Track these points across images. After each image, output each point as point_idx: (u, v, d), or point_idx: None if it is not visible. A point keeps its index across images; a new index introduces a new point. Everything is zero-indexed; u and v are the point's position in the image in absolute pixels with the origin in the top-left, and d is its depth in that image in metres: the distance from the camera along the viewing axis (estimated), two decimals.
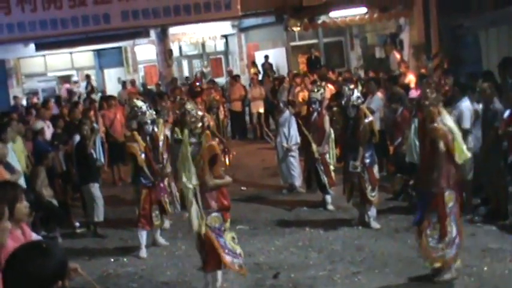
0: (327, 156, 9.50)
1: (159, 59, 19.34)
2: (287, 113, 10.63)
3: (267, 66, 20.23)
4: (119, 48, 22.42)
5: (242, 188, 10.97)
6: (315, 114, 9.57)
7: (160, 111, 9.93)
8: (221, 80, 21.34)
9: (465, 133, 7.89)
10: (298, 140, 10.30)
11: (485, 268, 6.50)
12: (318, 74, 15.53)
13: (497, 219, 7.94)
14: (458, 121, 7.90)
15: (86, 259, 7.92)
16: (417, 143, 7.57)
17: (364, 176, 8.19)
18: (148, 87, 20.79)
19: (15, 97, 18.28)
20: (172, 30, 19.08)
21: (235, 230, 6.65)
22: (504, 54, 11.75)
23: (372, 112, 9.28)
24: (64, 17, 16.79)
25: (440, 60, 14.69)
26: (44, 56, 21.47)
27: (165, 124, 9.25)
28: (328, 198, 9.40)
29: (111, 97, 14.25)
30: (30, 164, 9.53)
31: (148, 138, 8.05)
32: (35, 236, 4.10)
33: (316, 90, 9.63)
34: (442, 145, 5.99)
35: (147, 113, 8.04)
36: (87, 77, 21.36)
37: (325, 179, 9.37)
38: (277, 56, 20.99)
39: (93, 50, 22.29)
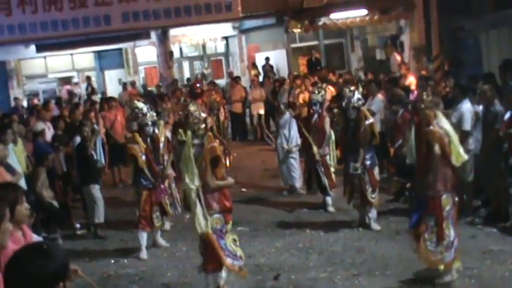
0: (328, 157, 9.50)
1: (160, 60, 19.33)
2: (287, 114, 10.64)
3: (268, 67, 20.22)
4: (120, 49, 22.46)
5: (242, 189, 10.95)
6: (316, 116, 9.56)
7: (160, 112, 9.95)
8: (222, 82, 21.30)
9: (466, 135, 7.91)
10: (299, 142, 10.30)
11: (486, 270, 6.49)
12: (319, 75, 15.54)
13: (498, 221, 7.93)
14: (459, 123, 7.92)
15: (87, 260, 7.91)
16: None
17: (365, 178, 8.19)
18: (149, 88, 20.78)
19: (15, 98, 18.28)
20: (172, 31, 19.07)
21: (235, 232, 6.63)
22: (505, 56, 11.73)
23: (373, 114, 9.25)
24: (65, 18, 16.81)
25: (440, 62, 14.71)
26: (44, 57, 21.49)
27: (165, 126, 9.26)
28: (329, 199, 9.39)
29: (112, 98, 14.26)
30: (30, 165, 9.52)
31: (149, 139, 8.04)
32: (35, 238, 4.10)
33: (316, 92, 9.61)
34: (437, 148, 5.99)
35: (148, 114, 8.03)
36: (88, 78, 21.36)
37: (325, 181, 9.36)
38: (278, 58, 20.97)
39: (94, 52, 22.30)
